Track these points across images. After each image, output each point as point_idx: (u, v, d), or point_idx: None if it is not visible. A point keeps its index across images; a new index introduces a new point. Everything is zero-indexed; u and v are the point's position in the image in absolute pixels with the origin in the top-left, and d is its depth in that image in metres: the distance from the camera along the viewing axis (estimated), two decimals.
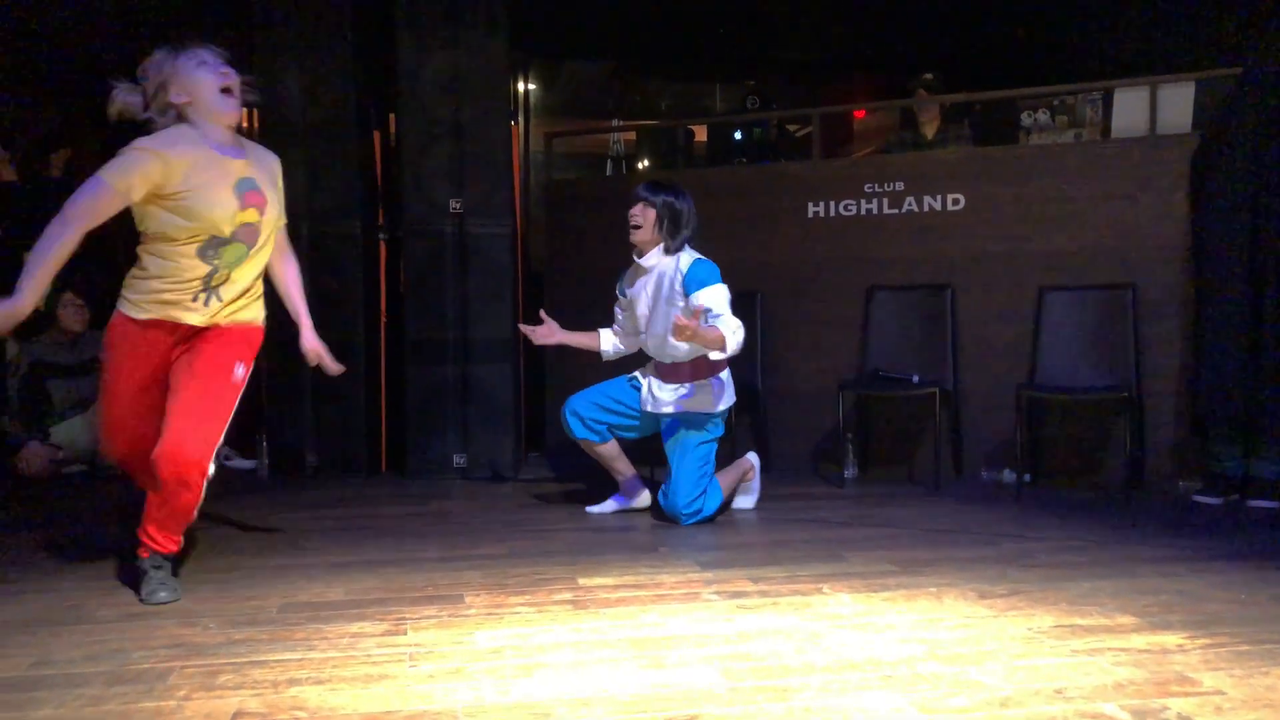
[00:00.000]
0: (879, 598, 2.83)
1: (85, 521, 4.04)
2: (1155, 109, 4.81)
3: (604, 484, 4.29)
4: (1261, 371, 4.29)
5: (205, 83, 2.84)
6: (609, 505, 4.15)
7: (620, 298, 4.14)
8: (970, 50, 7.21)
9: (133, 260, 2.92)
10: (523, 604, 2.79)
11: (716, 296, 3.79)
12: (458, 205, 4.99)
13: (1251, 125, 4.35)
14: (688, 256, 3.92)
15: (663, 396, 3.96)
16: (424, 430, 5.04)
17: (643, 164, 7.47)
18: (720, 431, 4.04)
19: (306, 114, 5.08)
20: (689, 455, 3.91)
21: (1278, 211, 4.28)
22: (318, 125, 5.10)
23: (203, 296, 2.88)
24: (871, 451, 5.15)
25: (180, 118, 2.85)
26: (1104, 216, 4.81)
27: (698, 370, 3.93)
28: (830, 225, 5.26)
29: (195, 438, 2.75)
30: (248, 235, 2.90)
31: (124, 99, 2.86)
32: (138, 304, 2.87)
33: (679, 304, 3.85)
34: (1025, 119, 5.32)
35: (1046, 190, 4.91)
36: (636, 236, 3.94)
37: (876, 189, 5.19)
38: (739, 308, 4.61)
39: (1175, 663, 2.28)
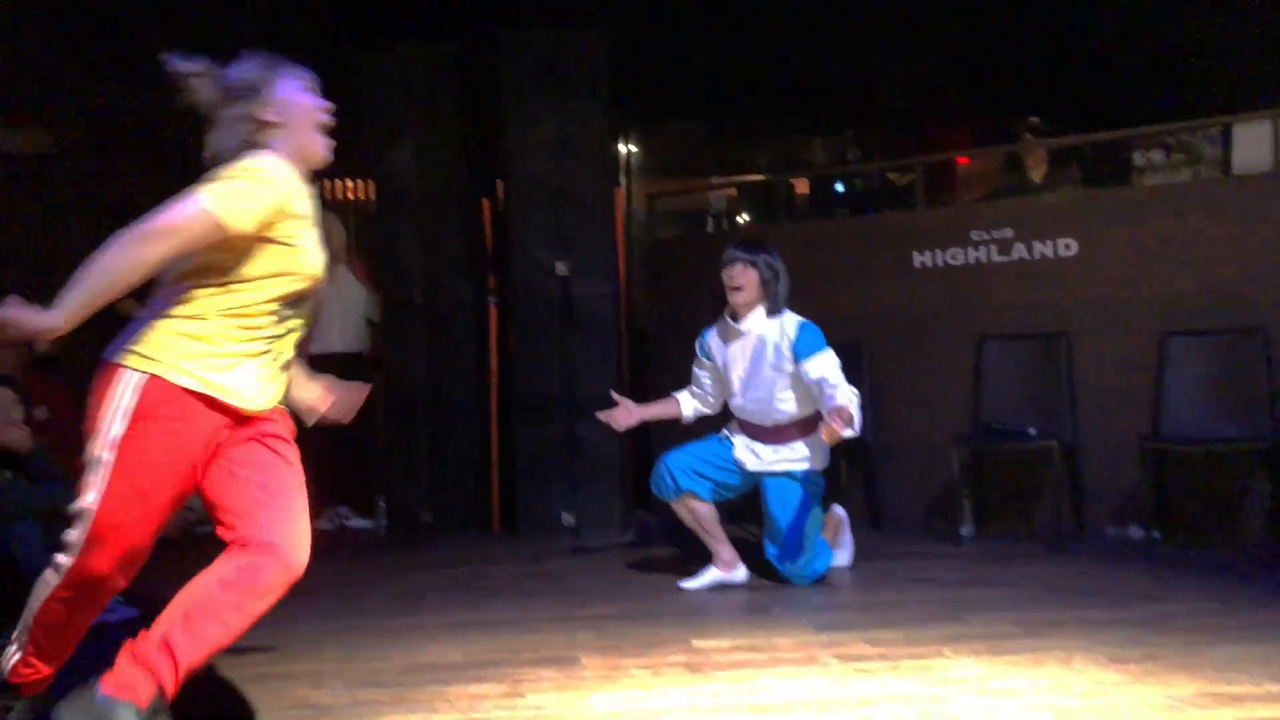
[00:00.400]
0: (1003, 661, 2.74)
1: None
2: None
3: (703, 548, 4.12)
4: None
5: (308, 110, 2.33)
6: (706, 579, 3.92)
7: (703, 359, 4.05)
8: (1075, 91, 7.07)
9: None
10: (637, 666, 2.79)
11: (830, 365, 3.72)
12: (563, 267, 5.09)
13: None
14: (791, 319, 3.86)
15: (767, 455, 3.89)
16: (533, 489, 5.11)
17: (742, 218, 7.51)
18: (824, 487, 3.97)
19: (419, 185, 5.28)
20: (802, 514, 3.84)
21: None
22: (429, 195, 5.29)
23: (277, 365, 2.28)
24: (988, 507, 4.99)
25: (248, 141, 2.25)
26: (1228, 257, 4.60)
27: (803, 429, 3.87)
28: (937, 275, 5.18)
29: (307, 542, 2.21)
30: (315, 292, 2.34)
31: (197, 82, 2.24)
32: (193, 372, 2.12)
33: (787, 369, 3.80)
34: (1138, 159, 5.18)
35: (1165, 231, 4.73)
36: (739, 299, 3.86)
37: (984, 236, 5.09)
38: (845, 362, 4.55)
39: None
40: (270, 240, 2.16)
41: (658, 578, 4.08)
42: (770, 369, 3.83)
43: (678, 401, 4.10)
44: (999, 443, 4.77)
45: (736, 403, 3.96)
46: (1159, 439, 4.49)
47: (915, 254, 5.22)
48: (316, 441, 5.68)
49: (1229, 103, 5.09)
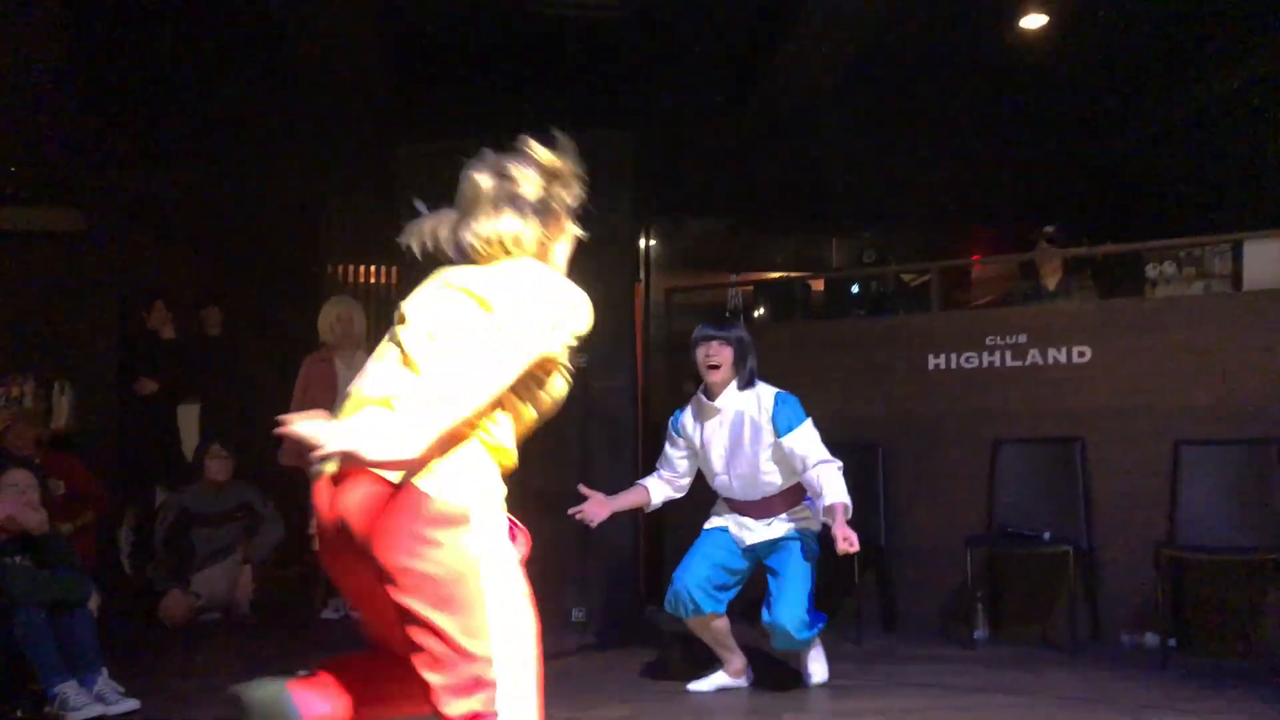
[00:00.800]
0: None
1: (218, 673, 4.15)
2: None
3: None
4: None
5: (574, 231, 2.09)
6: (713, 682, 3.91)
7: (677, 438, 4.02)
8: (1090, 201, 7.21)
9: None
10: None
11: (810, 438, 3.72)
12: (581, 361, 5.15)
13: None
14: (766, 392, 3.83)
15: (760, 530, 3.86)
16: (542, 583, 5.01)
17: (759, 313, 7.60)
18: (818, 552, 3.90)
19: None
20: (799, 571, 3.77)
21: None
22: None
23: None
24: (1002, 611, 4.94)
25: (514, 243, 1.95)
26: (1241, 369, 4.64)
27: (790, 500, 3.86)
28: (952, 377, 5.22)
29: None
30: None
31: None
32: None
33: (767, 440, 3.78)
34: (1150, 270, 5.26)
35: (1178, 342, 4.78)
36: (717, 376, 3.84)
37: (998, 341, 5.15)
38: (859, 461, 4.58)
39: None
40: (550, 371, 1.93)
41: (670, 677, 4.04)
42: (750, 443, 3.80)
43: (646, 489, 4.05)
44: (1013, 546, 4.76)
45: (721, 481, 3.91)
46: (1174, 546, 4.46)
47: (930, 357, 5.27)
48: None
49: (1239, 220, 5.19)
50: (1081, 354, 4.96)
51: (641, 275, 7.09)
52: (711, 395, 3.90)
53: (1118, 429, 4.82)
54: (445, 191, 5.84)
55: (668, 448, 4.05)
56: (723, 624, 3.86)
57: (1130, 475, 4.75)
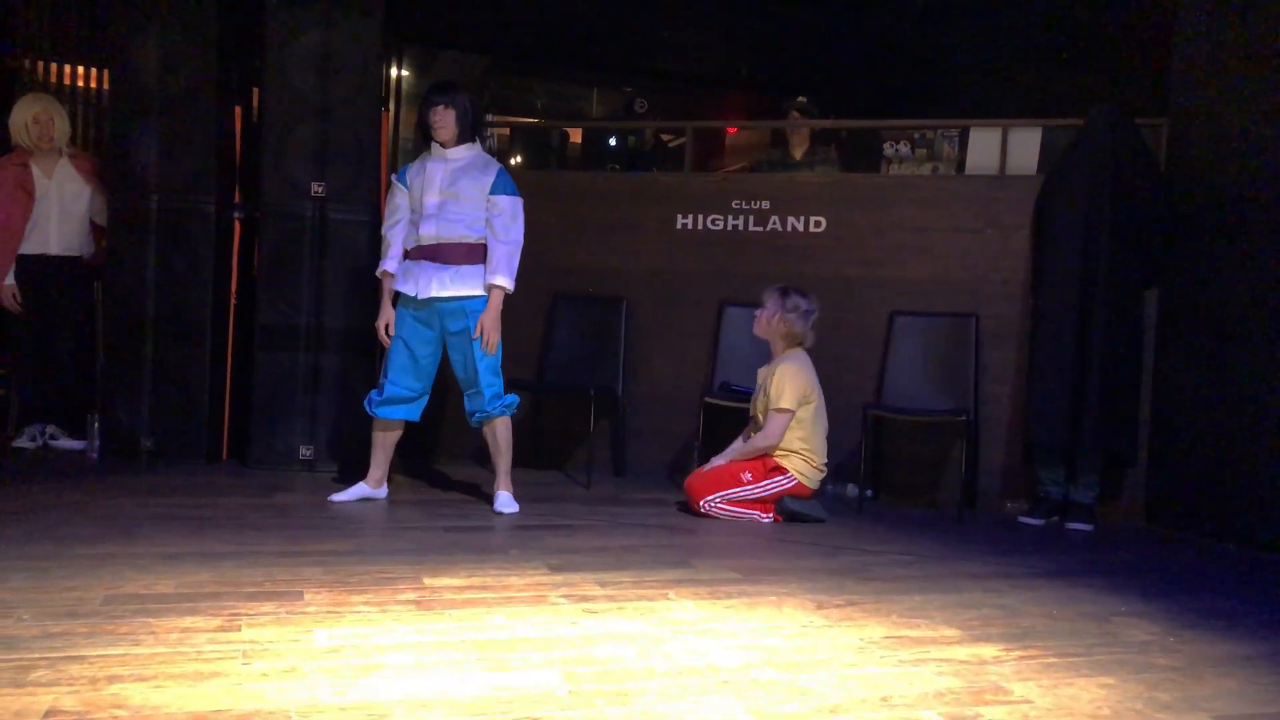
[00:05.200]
0: (721, 605, 2.90)
1: None
2: (1005, 150, 5.09)
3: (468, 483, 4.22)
4: (1083, 405, 4.59)
5: None
6: (355, 493, 4.22)
7: (401, 184, 4.18)
8: (841, 79, 7.46)
9: None
10: (364, 603, 2.73)
11: (510, 213, 4.07)
12: (320, 188, 4.84)
13: (1087, 173, 4.65)
14: (493, 162, 4.17)
15: (446, 281, 4.05)
16: (270, 419, 4.86)
17: (515, 160, 7.42)
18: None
19: (163, 82, 4.84)
20: (478, 353, 4.06)
21: (1105, 255, 4.59)
22: (175, 94, 4.86)
23: None
24: None
25: None
26: (954, 247, 5.05)
27: (475, 257, 4.08)
28: (697, 238, 5.35)
29: None
30: None
31: None
32: None
33: (482, 193, 4.05)
34: (888, 149, 5.53)
35: (903, 219, 5.12)
36: (443, 136, 4.08)
37: (744, 206, 5.31)
38: (603, 313, 4.64)
39: (991, 673, 2.42)
40: None
41: (396, 515, 4.02)
42: (467, 188, 4.05)
43: (389, 274, 4.19)
44: (735, 400, 5.01)
45: (427, 222, 4.07)
46: (879, 407, 4.87)
47: (679, 216, 5.37)
48: (26, 350, 5.12)
49: (967, 109, 5.54)
50: (818, 224, 5.21)
51: (391, 105, 6.70)
52: (443, 149, 4.13)
53: (842, 297, 5.13)
54: None
55: (395, 197, 4.21)
56: (396, 436, 4.23)
57: (849, 341, 5.11)
